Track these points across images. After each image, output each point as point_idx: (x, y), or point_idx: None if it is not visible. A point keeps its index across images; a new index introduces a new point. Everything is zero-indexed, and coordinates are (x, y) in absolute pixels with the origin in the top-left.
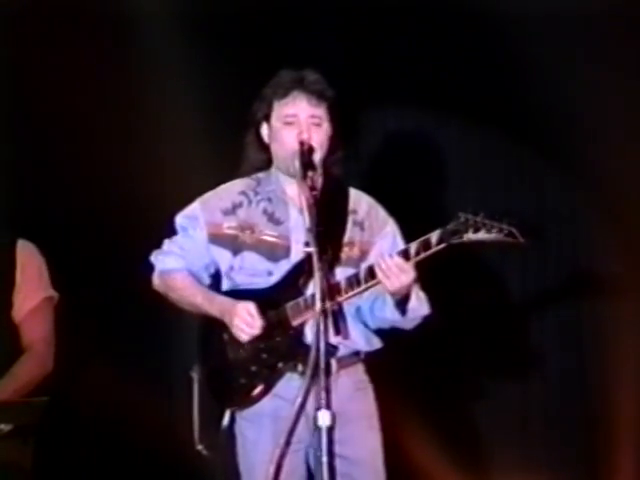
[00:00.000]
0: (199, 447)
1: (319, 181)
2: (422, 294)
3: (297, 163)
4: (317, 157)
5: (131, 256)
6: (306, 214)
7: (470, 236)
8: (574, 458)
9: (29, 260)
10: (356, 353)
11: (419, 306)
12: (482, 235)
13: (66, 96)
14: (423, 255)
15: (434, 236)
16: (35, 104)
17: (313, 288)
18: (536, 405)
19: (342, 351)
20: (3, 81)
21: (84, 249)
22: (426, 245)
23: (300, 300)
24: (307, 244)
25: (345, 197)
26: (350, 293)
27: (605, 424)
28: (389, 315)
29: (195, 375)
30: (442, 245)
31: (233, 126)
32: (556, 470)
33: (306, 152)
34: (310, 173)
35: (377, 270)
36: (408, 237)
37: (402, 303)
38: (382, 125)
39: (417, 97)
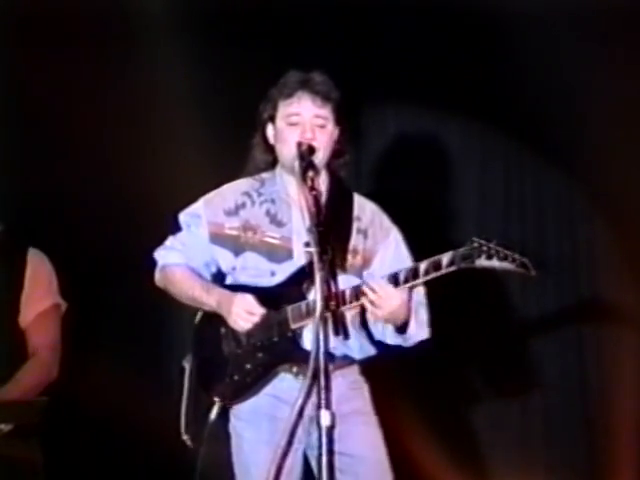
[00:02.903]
0: (184, 437)
1: (320, 182)
2: (424, 317)
3: (297, 163)
4: (319, 158)
5: (132, 256)
6: (306, 214)
7: (482, 262)
8: (574, 459)
9: (39, 268)
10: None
11: (419, 331)
12: (494, 262)
13: (66, 97)
14: (433, 275)
15: (445, 258)
16: (35, 104)
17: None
18: (536, 406)
19: (336, 353)
20: (3, 81)
21: (84, 248)
22: (436, 266)
23: (302, 304)
24: (307, 244)
25: (350, 203)
26: (354, 303)
27: (605, 426)
28: (389, 340)
29: (187, 365)
30: (452, 268)
31: (234, 127)
32: (556, 471)
33: (305, 152)
34: (310, 173)
35: (366, 302)
36: (408, 238)
37: (401, 329)
38: (382, 125)
39: (418, 97)
